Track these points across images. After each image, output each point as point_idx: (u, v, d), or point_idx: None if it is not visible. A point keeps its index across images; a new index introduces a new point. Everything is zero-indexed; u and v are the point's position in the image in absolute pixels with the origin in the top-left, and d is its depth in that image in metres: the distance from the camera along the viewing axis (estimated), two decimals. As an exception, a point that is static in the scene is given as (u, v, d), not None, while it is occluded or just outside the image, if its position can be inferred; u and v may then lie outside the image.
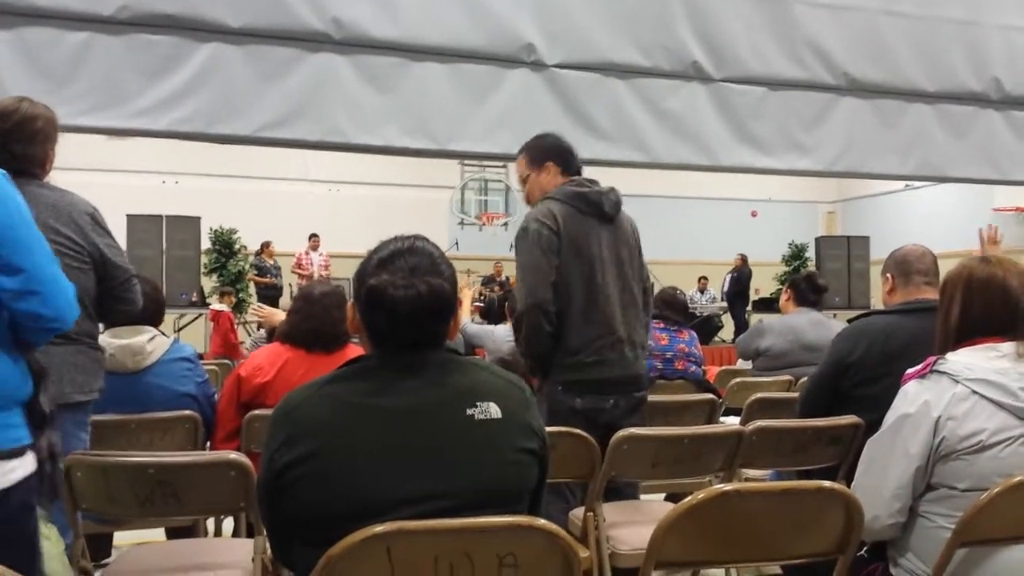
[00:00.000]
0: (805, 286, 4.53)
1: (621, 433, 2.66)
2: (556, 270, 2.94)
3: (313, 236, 13.28)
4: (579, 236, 2.99)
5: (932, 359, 1.99)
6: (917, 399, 1.95)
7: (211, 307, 10.10)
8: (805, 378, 3.77)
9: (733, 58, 4.44)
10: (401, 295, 1.48)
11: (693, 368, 4.49)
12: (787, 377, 4.26)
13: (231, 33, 3.73)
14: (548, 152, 3.22)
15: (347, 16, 3.85)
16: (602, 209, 3.06)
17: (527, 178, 3.23)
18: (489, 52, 4.11)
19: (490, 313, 8.76)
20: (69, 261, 2.48)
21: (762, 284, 15.18)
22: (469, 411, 1.51)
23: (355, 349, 2.91)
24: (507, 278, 13.96)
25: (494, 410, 1.52)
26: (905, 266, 2.89)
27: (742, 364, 5.41)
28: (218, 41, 3.74)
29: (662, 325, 4.50)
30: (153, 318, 3.15)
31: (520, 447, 1.54)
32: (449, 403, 1.51)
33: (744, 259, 14.78)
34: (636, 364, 3.07)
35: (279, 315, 3.69)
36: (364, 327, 1.56)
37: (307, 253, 13.28)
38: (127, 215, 11.33)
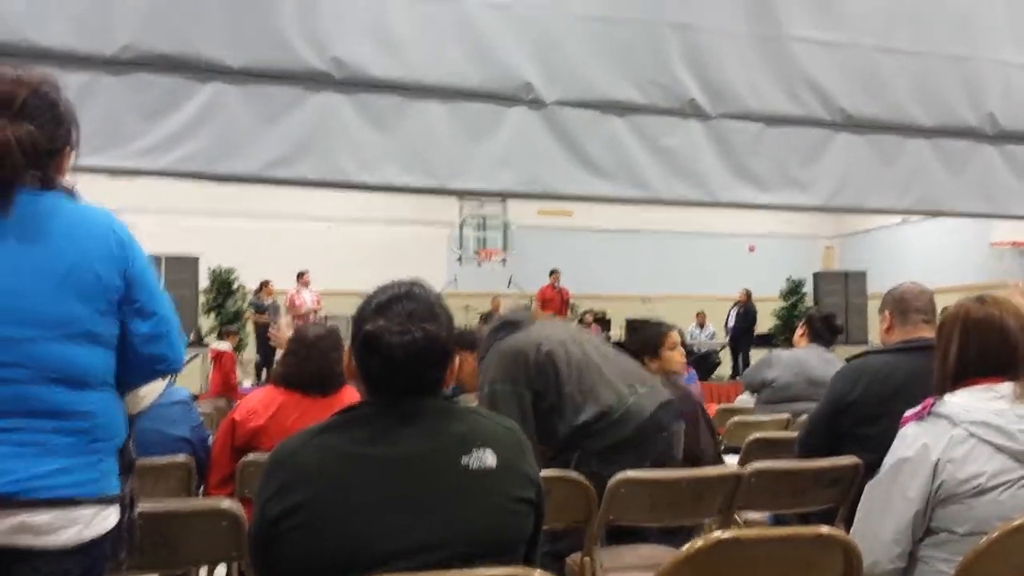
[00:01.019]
0: (821, 325, 4.56)
1: (618, 476, 2.64)
2: None
3: (302, 274, 13.26)
4: None
5: (930, 401, 1.99)
6: (915, 442, 1.94)
7: (212, 347, 10.08)
8: (804, 416, 3.76)
9: (730, 95, 4.47)
10: (397, 341, 1.48)
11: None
12: (785, 415, 4.25)
13: (232, 73, 3.76)
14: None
15: (348, 56, 3.88)
16: None
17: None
18: (488, 91, 4.13)
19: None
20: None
21: (760, 319, 15.16)
22: (464, 460, 1.50)
23: (351, 391, 2.90)
24: (506, 314, 13.95)
25: (489, 458, 1.51)
26: (903, 304, 2.89)
27: (742, 400, 5.40)
28: (219, 81, 3.76)
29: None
30: None
31: (516, 496, 1.53)
32: (444, 452, 1.50)
33: (748, 294, 14.78)
34: None
35: None
36: (360, 373, 1.55)
37: (298, 292, 13.23)
38: (126, 254, 11.35)
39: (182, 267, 11.92)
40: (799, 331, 4.66)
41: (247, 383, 11.82)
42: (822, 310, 5.28)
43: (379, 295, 1.57)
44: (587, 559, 2.70)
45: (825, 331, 4.53)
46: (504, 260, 15.88)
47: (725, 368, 14.62)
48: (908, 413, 2.03)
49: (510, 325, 3.14)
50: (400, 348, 1.48)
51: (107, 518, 1.69)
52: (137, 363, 1.76)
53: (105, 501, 1.69)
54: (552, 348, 2.97)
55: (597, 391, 2.92)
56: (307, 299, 13.15)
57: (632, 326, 3.61)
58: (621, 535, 2.94)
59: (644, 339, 3.56)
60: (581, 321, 14.38)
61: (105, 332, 1.71)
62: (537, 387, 2.94)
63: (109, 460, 1.72)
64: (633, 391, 2.96)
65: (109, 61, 3.60)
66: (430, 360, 1.52)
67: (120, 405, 1.76)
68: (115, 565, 1.76)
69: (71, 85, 3.54)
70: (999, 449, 1.87)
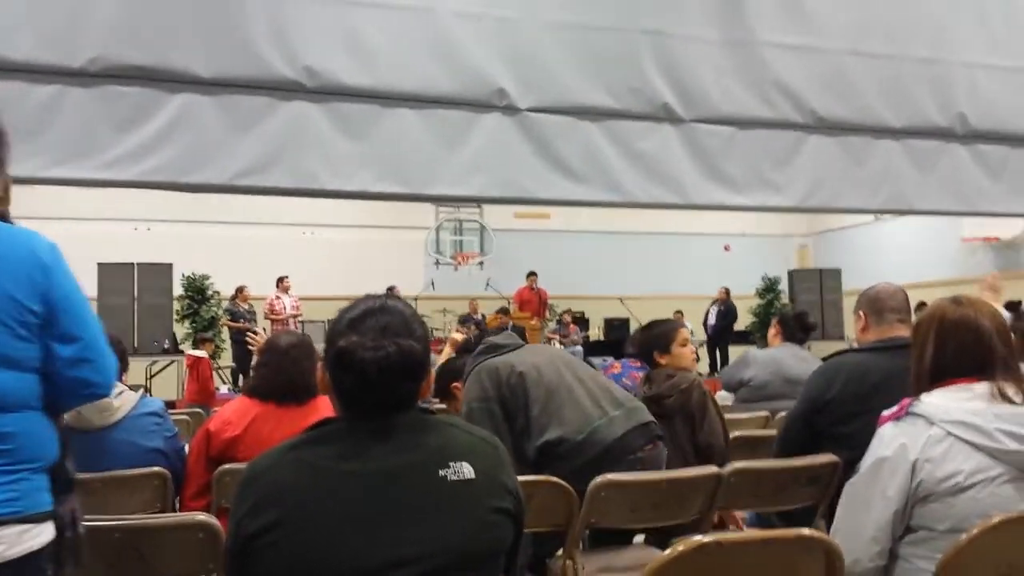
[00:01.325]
0: (794, 324, 4.60)
1: (599, 480, 2.64)
2: None
3: (282, 279, 13.20)
4: None
5: (907, 401, 2.00)
6: (893, 442, 1.95)
7: (188, 353, 10.00)
8: (782, 414, 3.78)
9: (703, 99, 4.48)
10: (370, 357, 1.46)
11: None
12: (764, 413, 4.27)
13: (202, 83, 3.72)
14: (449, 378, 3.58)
15: (319, 65, 3.85)
16: None
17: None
18: (461, 97, 4.12)
19: (466, 352, 8.68)
20: None
21: (738, 316, 15.24)
22: (442, 472, 1.48)
23: (326, 399, 2.87)
24: (483, 316, 13.94)
25: (467, 470, 1.50)
26: (878, 304, 2.91)
27: (721, 397, 5.42)
28: (189, 91, 3.72)
29: (639, 364, 4.50)
30: (119, 370, 3.08)
31: (494, 507, 1.52)
32: (421, 465, 1.48)
33: (728, 292, 14.86)
34: None
35: None
36: (334, 388, 1.53)
37: (278, 297, 13.17)
38: (98, 263, 11.24)
39: (155, 274, 11.79)
40: (772, 331, 4.70)
41: (224, 389, 11.73)
42: (793, 309, 5.32)
43: (352, 310, 1.55)
44: (568, 562, 2.69)
45: (798, 329, 4.58)
46: (481, 263, 15.89)
47: (703, 366, 14.68)
48: (885, 413, 2.04)
49: (494, 348, 3.19)
50: (374, 364, 1.46)
51: (37, 536, 1.68)
52: (63, 386, 1.76)
53: (31, 520, 1.67)
54: (525, 370, 3.02)
55: (563, 413, 2.93)
56: (287, 304, 13.08)
57: (645, 325, 3.68)
58: (610, 539, 2.95)
59: (655, 336, 3.60)
60: (559, 322, 14.39)
61: (24, 356, 1.70)
62: (508, 407, 2.98)
63: (35, 479, 1.70)
64: (603, 414, 2.96)
65: (78, 73, 3.56)
66: (405, 375, 1.50)
67: (48, 426, 1.75)
68: None
69: (40, 97, 3.53)
70: (977, 448, 1.88)
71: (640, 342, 3.63)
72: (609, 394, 3.06)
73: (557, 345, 13.62)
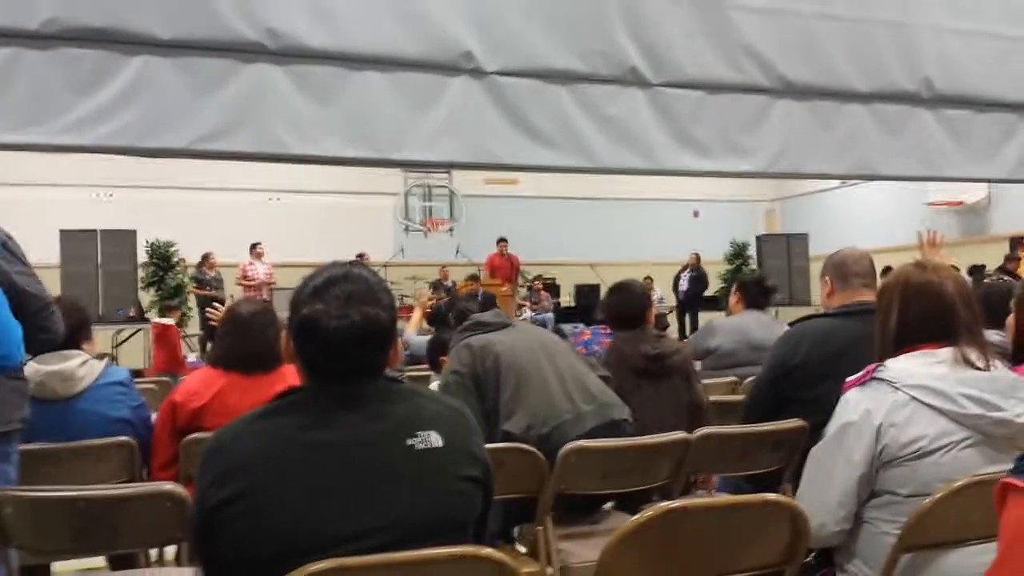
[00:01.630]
0: (755, 289, 4.58)
1: (569, 446, 2.65)
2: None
3: (255, 245, 13.07)
4: None
5: (872, 367, 2.01)
6: (858, 407, 1.97)
7: (155, 321, 9.88)
8: (750, 379, 3.81)
9: (670, 63, 4.46)
10: (335, 325, 1.44)
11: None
12: (732, 378, 4.30)
13: (161, 45, 3.64)
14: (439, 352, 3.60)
15: (281, 26, 3.78)
16: None
17: None
18: (428, 60, 4.07)
19: (437, 319, 8.68)
20: None
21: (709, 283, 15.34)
22: (409, 441, 1.47)
23: (292, 368, 2.85)
24: (453, 283, 13.91)
25: (435, 439, 1.49)
26: (843, 269, 2.93)
27: (690, 365, 5.46)
28: (148, 54, 3.64)
29: (608, 331, 4.51)
30: (78, 337, 3.03)
31: (463, 475, 1.51)
32: (388, 434, 1.47)
33: (698, 258, 14.94)
34: None
35: None
36: (298, 357, 1.51)
37: (251, 263, 13.05)
38: (60, 230, 11.07)
39: (118, 241, 11.62)
40: (733, 298, 4.70)
41: (192, 357, 11.63)
42: (752, 275, 5.33)
43: (316, 277, 1.52)
44: (539, 528, 2.71)
45: (759, 295, 4.58)
46: (451, 229, 15.83)
47: (672, 331, 14.79)
48: (850, 379, 2.05)
49: (479, 326, 3.17)
50: (338, 333, 1.44)
51: None
52: None
53: None
54: (500, 351, 3.01)
55: (531, 402, 2.91)
56: (260, 271, 12.96)
57: (614, 289, 3.65)
58: (580, 506, 2.95)
59: (629, 315, 3.52)
60: (530, 288, 14.40)
61: None
62: (480, 385, 2.98)
63: None
64: (574, 408, 2.93)
65: (33, 35, 3.46)
66: (370, 344, 1.48)
67: None
68: None
69: (-7, 59, 3.43)
70: (940, 413, 1.90)
71: (613, 315, 3.59)
72: (584, 388, 3.02)
73: (527, 313, 13.63)
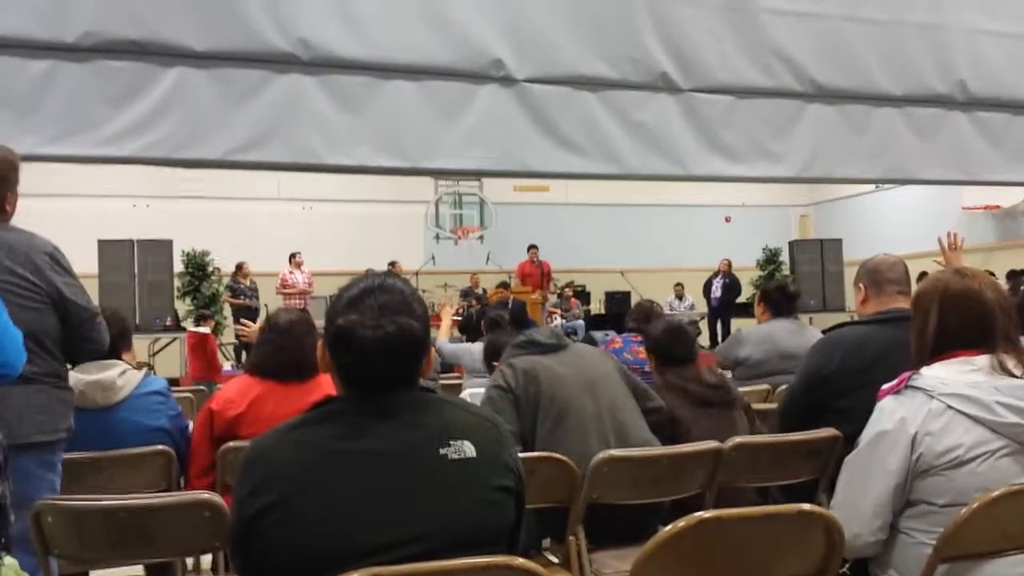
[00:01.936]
0: (778, 296, 4.51)
1: (601, 455, 2.64)
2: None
3: (295, 255, 13.22)
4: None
5: (907, 375, 1.99)
6: (893, 415, 1.95)
7: (191, 330, 9.99)
8: (783, 387, 3.78)
9: (701, 68, 4.45)
10: (370, 335, 1.45)
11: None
12: (765, 386, 4.26)
13: (196, 57, 3.69)
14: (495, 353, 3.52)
15: (314, 37, 3.82)
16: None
17: None
18: (458, 69, 4.09)
19: (468, 327, 8.69)
20: (26, 302, 2.45)
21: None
22: (442, 451, 1.48)
23: (328, 377, 2.87)
24: (484, 290, 13.92)
25: (468, 449, 1.49)
26: (877, 276, 2.89)
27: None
28: (183, 66, 3.70)
29: (639, 338, 4.49)
30: (119, 347, 3.08)
31: (496, 485, 1.52)
32: (422, 444, 1.48)
33: (730, 264, 14.83)
34: None
35: None
36: (333, 367, 1.53)
37: (291, 272, 13.22)
38: (98, 240, 11.22)
39: (156, 251, 11.75)
40: (758, 309, 4.61)
41: (227, 366, 11.75)
42: (774, 282, 5.25)
43: (351, 288, 1.54)
44: (571, 538, 2.70)
45: (783, 302, 4.50)
46: (481, 237, 15.84)
47: (704, 339, 14.68)
48: (885, 387, 2.03)
49: (532, 345, 3.11)
50: (373, 343, 1.46)
51: None
52: None
53: None
54: (544, 381, 2.94)
55: (563, 440, 2.84)
56: (299, 280, 13.11)
57: (643, 308, 3.53)
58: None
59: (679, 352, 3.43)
60: (561, 295, 14.38)
61: None
62: (518, 405, 2.93)
63: None
64: (604, 448, 2.83)
65: (71, 48, 3.53)
66: (404, 354, 1.49)
67: None
68: None
69: (33, 73, 3.50)
70: (976, 421, 1.88)
71: (663, 353, 3.43)
72: (621, 430, 2.94)
73: (558, 320, 13.61)
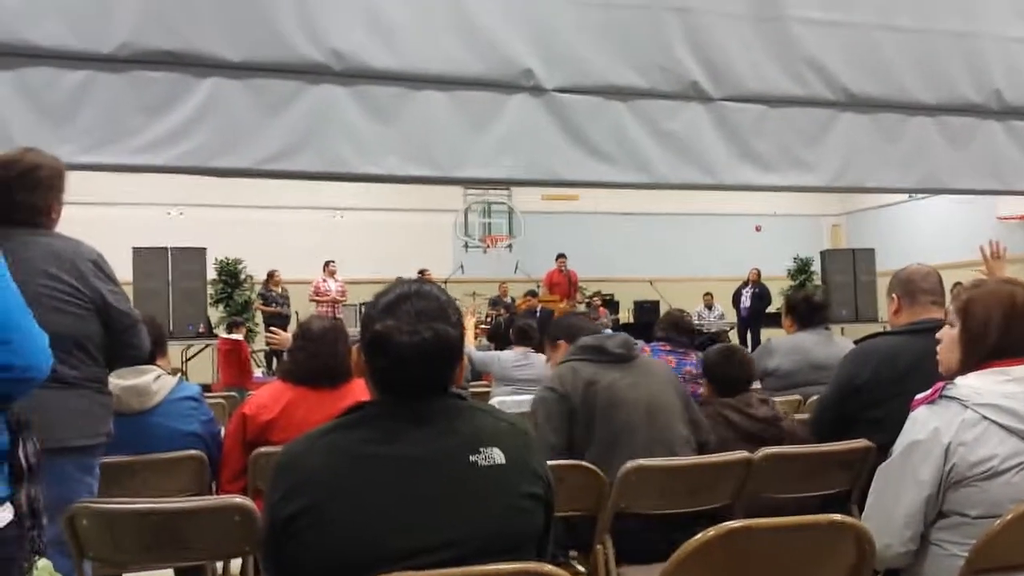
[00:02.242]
0: (804, 307, 4.45)
1: (630, 464, 2.63)
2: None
3: (329, 263, 13.36)
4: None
5: (941, 384, 1.97)
6: (927, 425, 1.93)
7: (223, 337, 10.09)
8: (814, 398, 3.75)
9: (732, 77, 4.44)
10: (407, 341, 1.47)
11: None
12: (796, 397, 4.22)
13: (231, 68, 3.74)
14: (559, 332, 3.36)
15: (346, 48, 3.86)
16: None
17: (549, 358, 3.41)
18: (488, 79, 4.11)
19: (496, 336, 8.70)
20: (71, 308, 2.50)
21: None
22: (472, 458, 1.49)
23: (360, 383, 2.89)
24: (512, 299, 13.94)
25: (498, 456, 1.50)
26: (910, 286, 2.87)
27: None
28: (218, 76, 3.75)
29: (668, 347, 4.47)
30: (154, 353, 3.13)
31: (525, 492, 1.52)
32: (453, 451, 1.49)
33: (759, 274, 14.73)
34: None
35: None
36: (369, 372, 1.54)
37: (324, 280, 13.35)
38: (133, 248, 11.36)
39: (189, 258, 11.88)
40: (786, 322, 4.55)
41: (258, 373, 11.85)
42: (798, 292, 5.18)
43: (387, 294, 1.55)
44: (599, 547, 2.70)
45: (810, 313, 4.44)
46: (510, 246, 15.86)
47: (733, 349, 14.56)
48: (918, 396, 2.01)
49: (599, 352, 2.98)
50: (410, 348, 1.47)
51: None
52: None
53: None
54: (602, 397, 2.85)
55: (612, 464, 2.75)
56: (332, 288, 13.24)
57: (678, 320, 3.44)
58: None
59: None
60: (589, 304, 14.35)
61: None
62: (572, 412, 2.86)
63: None
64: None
65: (107, 59, 3.59)
66: (440, 360, 1.51)
67: None
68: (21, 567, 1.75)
69: (70, 83, 3.57)
70: (1011, 432, 1.86)
71: (718, 379, 3.35)
72: (667, 445, 2.88)
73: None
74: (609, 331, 3.12)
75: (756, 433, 3.08)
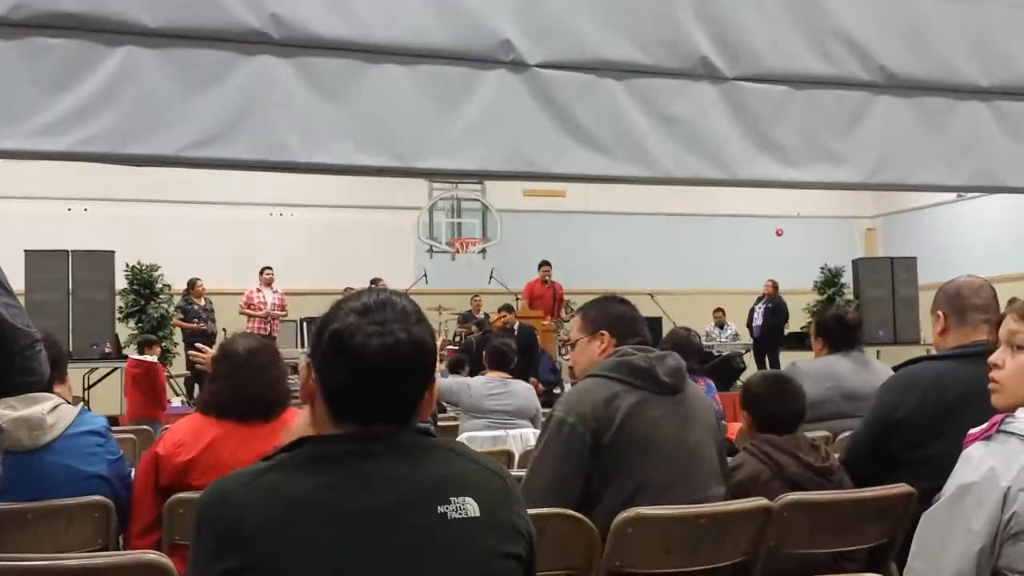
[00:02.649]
0: (836, 327, 4.50)
1: (626, 514, 2.63)
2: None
3: (265, 270, 13.24)
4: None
5: (998, 417, 1.99)
6: (981, 465, 1.95)
7: (133, 358, 10.02)
8: (846, 433, 3.77)
9: (749, 52, 4.47)
10: (376, 342, 1.46)
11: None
12: (823, 434, 4.25)
13: (148, 35, 3.72)
14: (604, 320, 3.16)
15: (288, 12, 3.85)
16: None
17: (575, 343, 3.17)
18: (459, 51, 4.12)
19: (457, 364, 8.67)
20: None
21: (790, 316, 15.20)
22: (441, 508, 1.48)
23: (296, 413, 2.88)
24: (486, 315, 13.93)
25: (471, 507, 1.49)
26: (959, 302, 2.90)
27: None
28: (133, 44, 3.73)
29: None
30: (52, 379, 3.07)
31: (502, 551, 1.51)
32: (418, 500, 1.48)
33: (775, 286, 14.83)
34: None
35: None
36: (321, 389, 1.52)
37: (259, 290, 13.21)
38: (25, 250, 11.27)
39: (94, 264, 11.79)
40: (816, 344, 4.60)
41: (176, 402, 11.78)
42: (831, 311, 5.23)
43: (351, 300, 1.54)
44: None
45: (843, 334, 4.48)
46: (483, 251, 15.88)
47: (750, 374, 14.66)
48: (973, 431, 2.03)
49: (649, 379, 2.85)
50: (381, 350, 1.46)
51: None
52: None
53: None
54: (640, 448, 2.77)
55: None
56: (268, 299, 13.11)
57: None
58: None
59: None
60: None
61: None
62: (596, 445, 2.76)
63: None
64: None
65: (-1, 23, 3.56)
66: (414, 371, 1.50)
67: None
68: None
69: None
70: (1082, 476, 1.88)
71: (767, 415, 3.25)
72: (696, 481, 2.84)
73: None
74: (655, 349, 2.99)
75: (802, 482, 2.98)
